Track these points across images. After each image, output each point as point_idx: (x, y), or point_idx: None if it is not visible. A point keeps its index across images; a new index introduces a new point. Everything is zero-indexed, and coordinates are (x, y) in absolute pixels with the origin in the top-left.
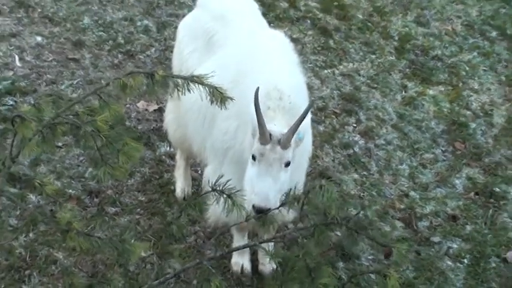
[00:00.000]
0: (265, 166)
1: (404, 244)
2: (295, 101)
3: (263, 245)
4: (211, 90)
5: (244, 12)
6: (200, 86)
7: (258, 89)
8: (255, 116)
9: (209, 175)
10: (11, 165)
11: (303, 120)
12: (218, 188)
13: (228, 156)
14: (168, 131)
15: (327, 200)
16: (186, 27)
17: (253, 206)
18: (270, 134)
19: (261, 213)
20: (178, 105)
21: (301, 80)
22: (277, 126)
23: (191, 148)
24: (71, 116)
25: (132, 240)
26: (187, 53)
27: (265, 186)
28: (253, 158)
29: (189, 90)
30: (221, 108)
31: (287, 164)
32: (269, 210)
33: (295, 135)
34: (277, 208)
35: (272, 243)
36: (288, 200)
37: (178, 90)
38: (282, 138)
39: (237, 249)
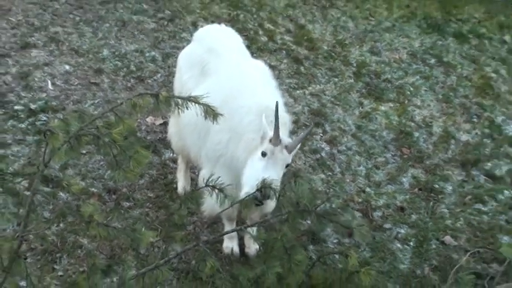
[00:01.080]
0: (273, 162)
1: (363, 226)
2: (284, 118)
3: (249, 229)
4: (205, 108)
5: (231, 46)
6: (196, 104)
7: (277, 103)
8: (274, 122)
9: (204, 176)
10: (44, 169)
11: (305, 136)
12: (210, 184)
13: (220, 162)
14: (171, 142)
15: (300, 192)
16: (185, 58)
17: (260, 191)
18: (281, 140)
19: (264, 198)
20: (178, 121)
21: (282, 100)
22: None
23: (189, 155)
24: (92, 129)
25: (143, 229)
26: (186, 78)
27: (271, 176)
28: (263, 154)
29: (187, 108)
30: (213, 123)
31: (287, 166)
32: (270, 197)
33: (297, 146)
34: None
35: (255, 228)
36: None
37: (178, 108)
38: (289, 144)
39: (227, 233)
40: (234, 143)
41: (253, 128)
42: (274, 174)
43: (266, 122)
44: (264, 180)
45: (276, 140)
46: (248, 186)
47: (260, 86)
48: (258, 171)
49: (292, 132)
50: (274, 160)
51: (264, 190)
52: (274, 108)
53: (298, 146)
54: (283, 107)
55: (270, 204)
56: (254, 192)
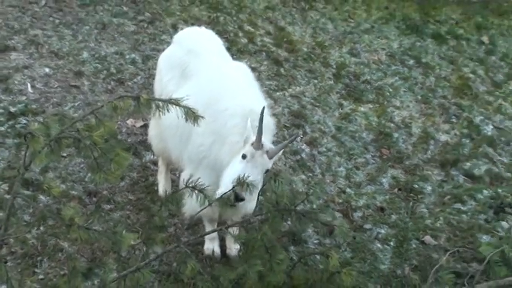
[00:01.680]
0: (252, 165)
1: (344, 223)
2: (269, 122)
3: (229, 230)
4: (186, 110)
5: (212, 48)
6: (177, 107)
7: (264, 108)
8: (257, 127)
9: (185, 178)
10: (24, 172)
11: (287, 145)
12: (191, 185)
13: (202, 164)
14: (151, 144)
15: (280, 192)
16: (165, 60)
17: (234, 193)
18: (262, 145)
19: (238, 200)
20: (159, 123)
21: (265, 102)
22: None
23: (170, 157)
24: (73, 132)
25: (123, 232)
26: (166, 80)
27: (246, 178)
28: (244, 156)
29: (168, 111)
30: (194, 125)
31: (266, 171)
32: (243, 199)
33: (278, 153)
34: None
35: (236, 229)
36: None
37: (159, 110)
38: (270, 150)
39: (208, 233)
40: (217, 146)
41: (237, 131)
42: (252, 177)
43: (251, 126)
44: (239, 181)
45: (257, 143)
46: (224, 186)
47: (243, 88)
48: (235, 172)
49: (273, 134)
50: (254, 163)
51: (238, 191)
52: (259, 111)
53: (280, 153)
54: (267, 111)
55: (250, 205)
56: (228, 192)
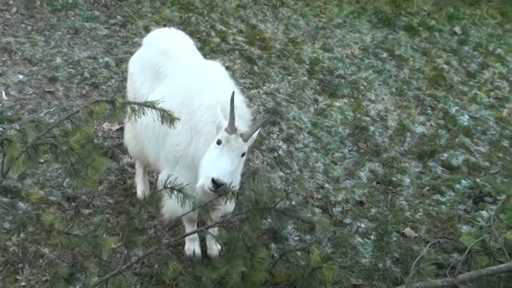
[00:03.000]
0: (227, 150)
1: (324, 219)
2: (245, 112)
3: (210, 230)
4: (161, 113)
5: (183, 48)
6: (153, 109)
7: (233, 93)
8: (229, 111)
9: (163, 179)
10: (2, 180)
11: (260, 126)
12: (169, 186)
13: (179, 163)
14: (127, 147)
15: (259, 190)
16: (136, 63)
17: (212, 179)
18: (236, 128)
19: (217, 186)
20: (135, 126)
21: (242, 98)
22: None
23: (148, 159)
24: (49, 138)
25: (104, 235)
26: (139, 83)
27: (225, 164)
28: (218, 142)
29: (144, 114)
30: (170, 127)
31: (243, 155)
32: (223, 185)
33: (252, 135)
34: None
35: (216, 229)
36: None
37: (135, 113)
38: (244, 133)
39: (188, 234)
40: (194, 142)
41: (211, 119)
42: (229, 162)
43: (222, 113)
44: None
45: (231, 127)
46: (203, 176)
47: (218, 84)
48: (212, 158)
49: None
50: (229, 147)
51: (216, 177)
52: (236, 104)
53: (255, 136)
54: (243, 103)
55: (230, 203)
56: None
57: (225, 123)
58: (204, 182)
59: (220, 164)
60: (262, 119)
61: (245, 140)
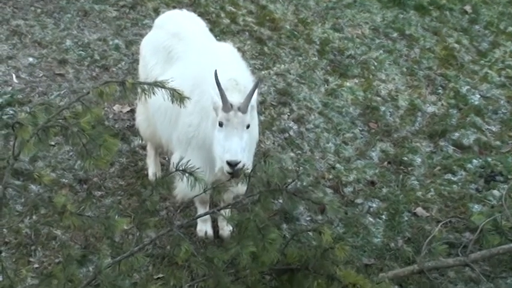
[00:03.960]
0: (231, 129)
1: (334, 200)
2: (245, 88)
3: (221, 212)
4: (171, 92)
5: (195, 30)
6: (163, 89)
7: (216, 71)
8: (217, 91)
9: (175, 160)
10: (14, 162)
11: (254, 92)
12: (181, 168)
13: (191, 144)
14: (139, 129)
15: (270, 171)
16: (148, 45)
17: (227, 162)
18: (231, 104)
19: (234, 166)
20: (147, 108)
21: (251, 78)
22: (234, 99)
23: (160, 141)
24: (60, 120)
25: (116, 217)
26: (151, 65)
27: (234, 143)
28: (220, 124)
29: (154, 94)
30: (180, 107)
31: (248, 126)
32: (239, 163)
33: (250, 104)
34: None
35: (228, 210)
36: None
37: (145, 94)
38: (240, 105)
39: (200, 216)
40: (204, 123)
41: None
42: (237, 140)
43: (214, 92)
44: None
45: (225, 106)
46: (219, 161)
47: (230, 65)
48: (221, 141)
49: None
50: (232, 126)
51: (229, 158)
52: (239, 81)
53: (254, 102)
54: (246, 80)
55: (242, 185)
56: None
57: (219, 103)
58: (221, 165)
59: (229, 145)
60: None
61: (244, 112)
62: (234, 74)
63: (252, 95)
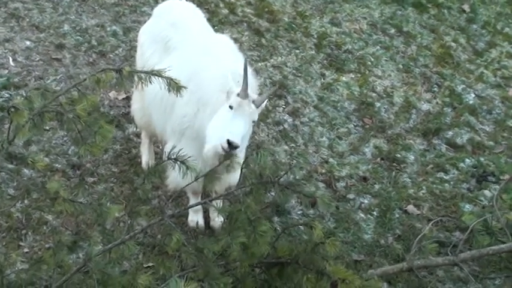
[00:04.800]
0: (240, 114)
1: (326, 194)
2: (252, 81)
3: (213, 203)
4: (168, 81)
5: (194, 20)
6: (159, 78)
7: (246, 60)
8: (243, 77)
9: (168, 150)
10: (8, 147)
11: (272, 93)
12: (173, 157)
13: (185, 135)
14: (134, 117)
15: (263, 163)
16: (146, 34)
17: (228, 141)
18: (248, 93)
19: (231, 148)
20: (142, 97)
21: (251, 70)
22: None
23: (155, 130)
24: (56, 106)
25: (108, 204)
26: (149, 54)
27: (239, 127)
28: (231, 107)
29: (150, 82)
30: (177, 96)
31: (253, 121)
32: (237, 147)
33: (264, 102)
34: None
35: (220, 201)
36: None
37: (142, 82)
38: (255, 99)
39: (192, 206)
40: (201, 113)
41: (219, 88)
42: (242, 125)
43: (233, 81)
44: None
45: (244, 92)
46: (213, 138)
47: (227, 56)
48: (225, 121)
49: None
50: (242, 112)
51: (231, 138)
52: (241, 72)
53: (265, 102)
54: (252, 73)
55: (234, 176)
56: (220, 142)
57: (236, 89)
58: (216, 143)
59: (233, 127)
60: (269, 89)
61: (257, 106)
62: (234, 66)
63: (268, 97)
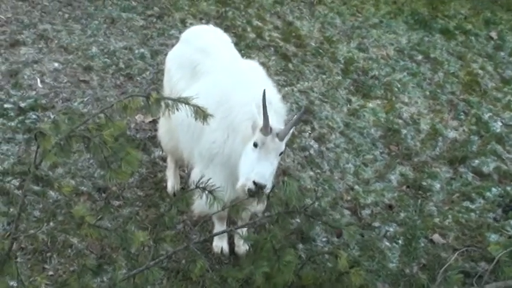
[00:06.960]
0: (265, 152)
1: (352, 226)
2: (280, 108)
3: (238, 230)
4: (195, 109)
5: (222, 46)
6: (186, 105)
7: (264, 91)
8: (261, 112)
9: (195, 176)
10: (34, 171)
11: (298, 121)
12: (201, 186)
13: (214, 161)
14: (161, 142)
15: (289, 193)
16: (174, 59)
17: (254, 182)
18: (271, 128)
19: (259, 188)
20: (169, 121)
21: (279, 96)
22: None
23: (181, 155)
24: (83, 131)
25: (133, 229)
26: (176, 80)
27: (264, 167)
28: (255, 145)
29: (177, 110)
30: (203, 124)
31: (280, 154)
32: (265, 186)
33: (290, 132)
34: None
35: (245, 229)
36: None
37: (168, 109)
38: (280, 132)
39: (218, 234)
40: (231, 140)
41: (247, 116)
42: (268, 165)
43: (257, 110)
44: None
45: (265, 129)
46: (243, 178)
47: (255, 82)
48: (251, 162)
49: None
50: (266, 150)
51: (258, 180)
52: (272, 100)
53: (291, 132)
54: (278, 100)
55: (261, 204)
56: (248, 183)
57: (260, 123)
58: (245, 182)
59: (259, 168)
60: (295, 115)
61: (281, 139)
62: (260, 91)
63: (293, 126)
